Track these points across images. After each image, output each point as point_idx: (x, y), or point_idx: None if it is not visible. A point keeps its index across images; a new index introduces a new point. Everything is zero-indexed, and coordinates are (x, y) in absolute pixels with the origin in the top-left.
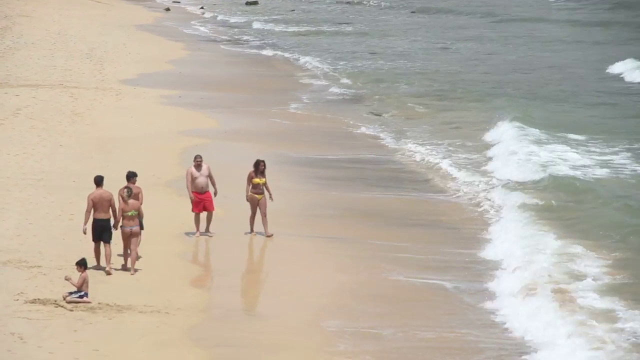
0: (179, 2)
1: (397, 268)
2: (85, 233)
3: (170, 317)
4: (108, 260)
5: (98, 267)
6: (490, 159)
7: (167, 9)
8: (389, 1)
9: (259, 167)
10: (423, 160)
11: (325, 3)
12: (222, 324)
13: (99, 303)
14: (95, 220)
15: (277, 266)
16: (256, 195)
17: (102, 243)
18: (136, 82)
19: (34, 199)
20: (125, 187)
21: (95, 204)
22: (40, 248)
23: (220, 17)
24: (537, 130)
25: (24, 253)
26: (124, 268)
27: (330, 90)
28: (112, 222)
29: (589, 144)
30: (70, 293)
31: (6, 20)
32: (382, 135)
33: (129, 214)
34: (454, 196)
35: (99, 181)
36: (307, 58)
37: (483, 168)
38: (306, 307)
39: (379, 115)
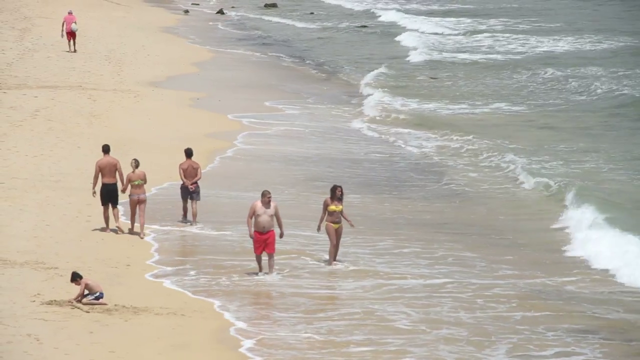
0: (197, 4)
1: None
2: (94, 196)
3: (186, 320)
4: (116, 219)
5: (105, 229)
6: None
7: (186, 11)
8: None
9: (336, 193)
10: None
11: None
12: (240, 327)
13: (115, 305)
14: (103, 185)
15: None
16: (333, 224)
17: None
18: (162, 84)
19: (51, 201)
20: (133, 159)
21: (103, 170)
22: (57, 250)
23: (240, 20)
24: None
25: (40, 254)
26: (131, 232)
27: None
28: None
29: None
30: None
31: (25, 22)
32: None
33: (136, 182)
34: None
35: (106, 149)
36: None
37: None
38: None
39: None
